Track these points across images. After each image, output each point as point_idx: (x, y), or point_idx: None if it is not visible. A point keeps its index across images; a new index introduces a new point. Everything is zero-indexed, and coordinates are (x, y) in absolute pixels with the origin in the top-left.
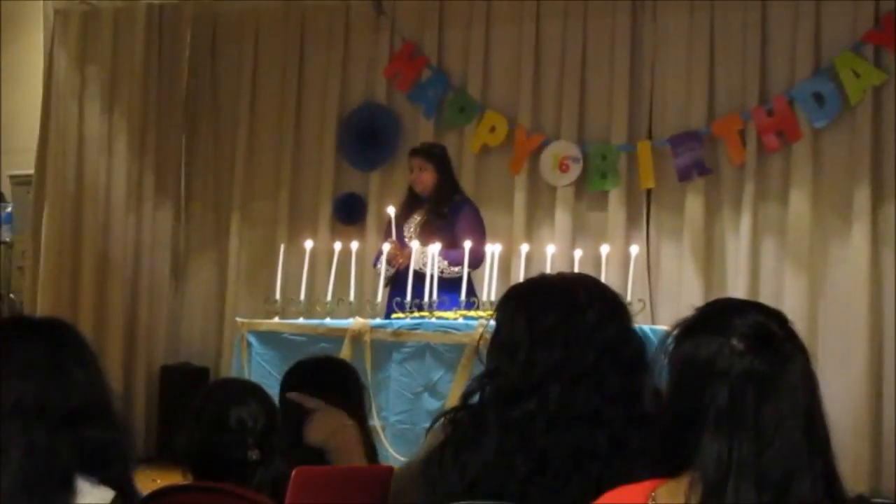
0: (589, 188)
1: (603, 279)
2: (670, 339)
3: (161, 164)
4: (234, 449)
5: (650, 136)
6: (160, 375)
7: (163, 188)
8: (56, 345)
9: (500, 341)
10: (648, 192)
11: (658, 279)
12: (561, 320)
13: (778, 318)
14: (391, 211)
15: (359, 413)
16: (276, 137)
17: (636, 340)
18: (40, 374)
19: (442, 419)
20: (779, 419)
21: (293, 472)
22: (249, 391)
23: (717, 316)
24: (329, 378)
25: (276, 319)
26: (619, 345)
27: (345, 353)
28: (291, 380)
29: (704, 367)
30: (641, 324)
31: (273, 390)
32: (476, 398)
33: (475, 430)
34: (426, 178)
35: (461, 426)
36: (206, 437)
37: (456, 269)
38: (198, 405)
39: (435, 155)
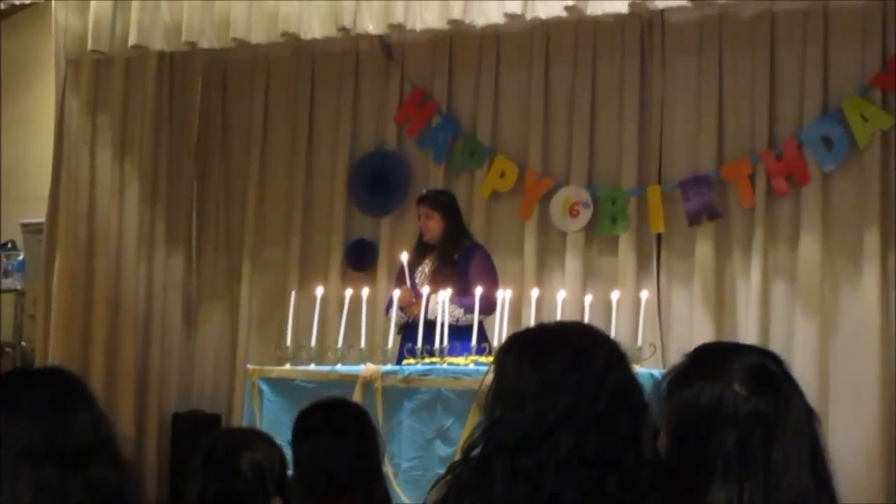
0: (599, 233)
1: (613, 324)
2: (664, 386)
3: (172, 211)
4: (253, 497)
5: (660, 181)
6: (172, 423)
7: (174, 235)
8: (59, 389)
9: (504, 391)
10: (658, 236)
11: (669, 324)
12: (570, 367)
13: (773, 357)
14: (404, 258)
15: (373, 458)
16: (286, 183)
17: (639, 387)
18: (46, 418)
19: (444, 478)
20: (786, 460)
21: None
22: (258, 436)
23: (712, 361)
24: (342, 421)
25: (288, 366)
26: (627, 389)
27: (356, 399)
28: (305, 422)
29: (708, 414)
30: (652, 368)
31: (285, 437)
32: (478, 450)
33: (480, 479)
34: (433, 226)
35: (464, 477)
36: (222, 485)
37: (471, 316)
38: (205, 452)
39: (441, 202)
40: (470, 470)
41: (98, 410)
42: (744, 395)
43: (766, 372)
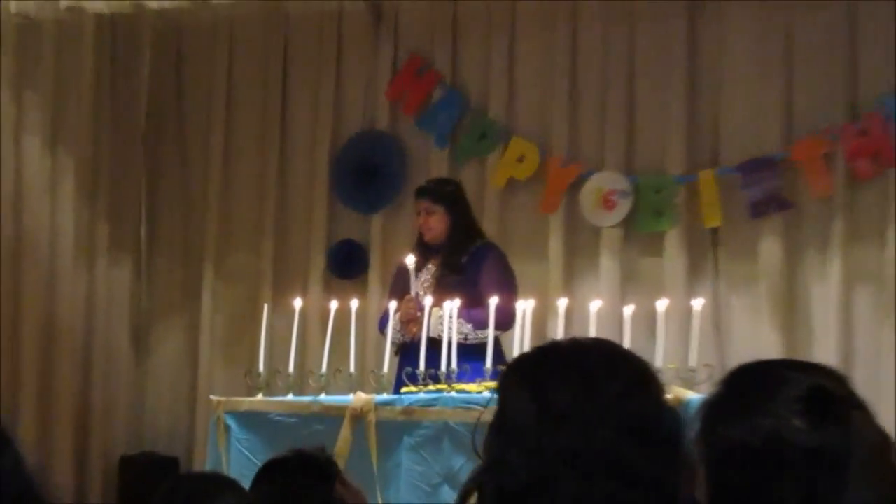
0: (640, 229)
1: (660, 340)
2: (699, 420)
3: (117, 210)
4: None
5: (715, 164)
6: (119, 468)
7: (119, 239)
8: None
9: (502, 426)
10: (714, 232)
11: (728, 339)
12: (576, 394)
13: (833, 377)
14: (410, 261)
15: None
16: (256, 174)
17: (670, 416)
18: None
19: None
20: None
21: None
22: (225, 484)
23: (758, 386)
24: (302, 482)
25: (260, 397)
26: (649, 422)
27: (344, 436)
28: (263, 487)
29: (758, 456)
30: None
31: None
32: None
33: None
34: (435, 224)
35: None
36: None
37: (482, 333)
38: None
39: (445, 194)
40: None
41: (16, 453)
42: (803, 430)
43: (828, 397)
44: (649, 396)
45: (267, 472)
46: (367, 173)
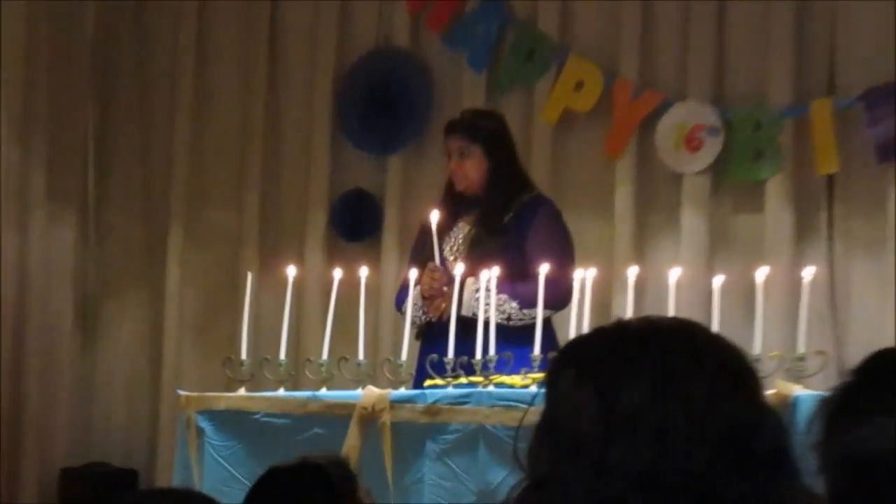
0: (734, 176)
1: (758, 320)
2: (821, 422)
3: (58, 155)
4: None
5: (831, 92)
6: (60, 483)
7: (61, 190)
8: None
9: (554, 431)
10: (830, 180)
11: (848, 318)
12: (652, 397)
13: None
14: (434, 217)
15: None
16: (237, 107)
17: (771, 421)
18: None
19: None
20: None
21: None
22: (196, 502)
23: None
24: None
25: (242, 392)
26: (746, 431)
27: (351, 442)
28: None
29: None
30: (822, 390)
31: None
32: None
33: None
34: (471, 170)
35: None
36: None
37: (530, 312)
38: None
39: (483, 130)
40: None
41: None
42: None
43: None
44: (744, 395)
45: (264, 488)
46: (380, 104)
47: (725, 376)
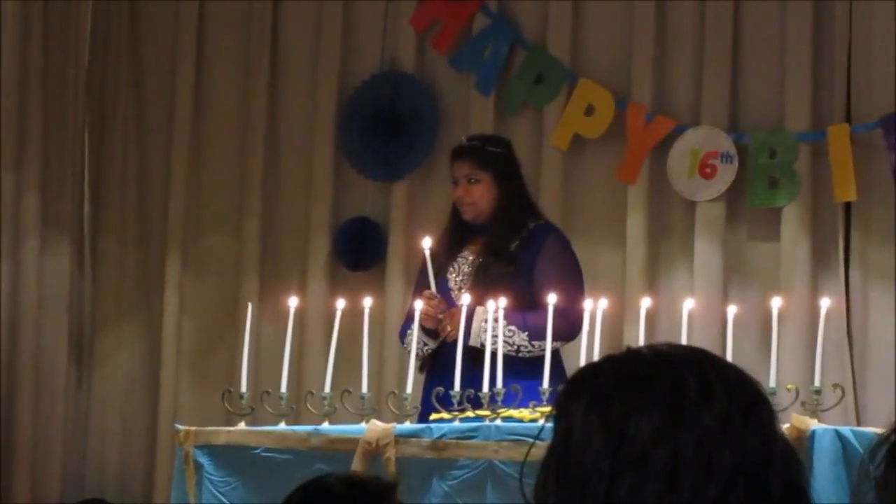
0: (750, 203)
1: (774, 351)
2: (881, 457)
3: (52, 180)
4: None
5: (848, 118)
6: None
7: (55, 216)
8: None
9: (560, 466)
10: (847, 208)
11: (866, 350)
12: (661, 430)
13: None
14: (426, 244)
15: None
16: (237, 131)
17: (786, 456)
18: None
19: None
20: None
21: None
22: None
23: None
24: None
25: (242, 426)
26: (759, 466)
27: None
28: None
29: None
30: (839, 424)
31: None
32: None
33: None
34: (479, 196)
35: None
36: None
37: (540, 344)
38: None
39: (491, 156)
40: None
41: None
42: None
43: None
44: (757, 428)
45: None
46: (385, 128)
47: (737, 408)
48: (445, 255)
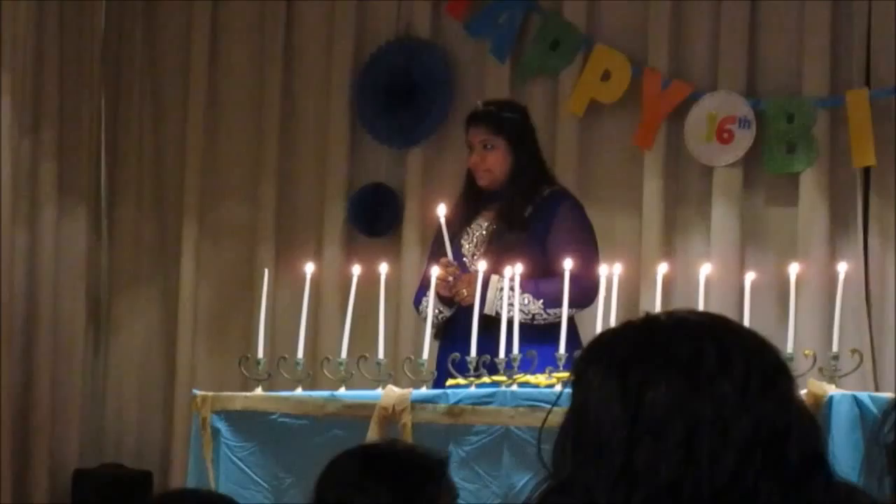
0: (767, 169)
1: (791, 316)
2: (891, 423)
3: (68, 147)
4: None
5: (868, 82)
6: (73, 485)
7: (71, 182)
8: None
9: (578, 433)
10: (866, 173)
11: (884, 315)
12: (679, 398)
13: None
14: (441, 211)
15: None
16: (253, 98)
17: (805, 423)
18: None
19: None
20: None
21: None
22: None
23: None
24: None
25: (259, 392)
26: (777, 434)
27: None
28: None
29: None
30: (857, 389)
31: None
32: None
33: None
34: (494, 162)
35: None
36: None
37: (555, 311)
38: None
39: (507, 122)
40: None
41: None
42: None
43: None
44: (775, 396)
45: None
46: (400, 95)
47: (756, 377)
48: (460, 222)
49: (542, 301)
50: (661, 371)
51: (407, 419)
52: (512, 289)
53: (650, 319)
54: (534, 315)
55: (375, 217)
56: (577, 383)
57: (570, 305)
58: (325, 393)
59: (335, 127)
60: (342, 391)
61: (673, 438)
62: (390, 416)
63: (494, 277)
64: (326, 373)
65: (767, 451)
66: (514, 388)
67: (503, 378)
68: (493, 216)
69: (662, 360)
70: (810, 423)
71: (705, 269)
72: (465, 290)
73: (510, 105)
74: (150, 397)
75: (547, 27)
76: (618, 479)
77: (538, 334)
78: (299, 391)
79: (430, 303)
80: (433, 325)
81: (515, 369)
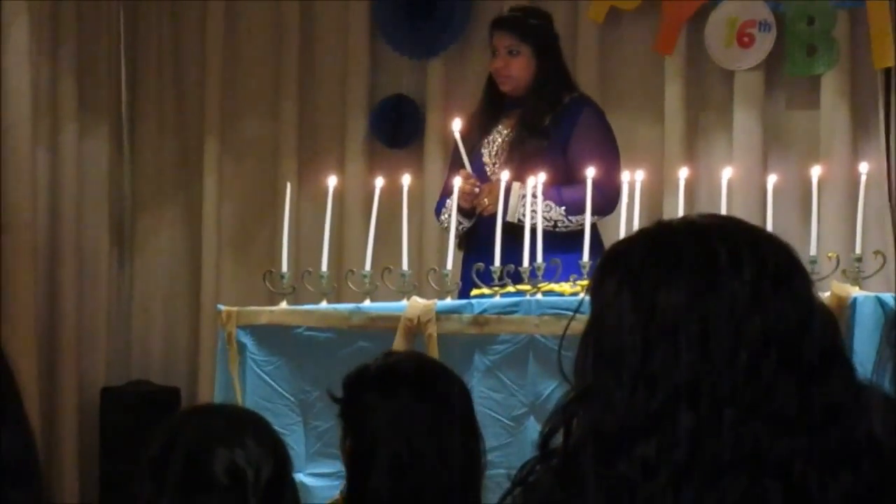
0: (788, 72)
1: (814, 219)
2: None
3: (88, 62)
4: None
5: None
6: (101, 403)
7: (92, 101)
8: None
9: (597, 341)
10: (887, 74)
11: None
12: (691, 300)
13: None
14: (456, 126)
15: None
16: (272, 13)
17: (822, 321)
18: None
19: (511, 493)
20: None
21: None
22: (239, 421)
23: None
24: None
25: (284, 306)
26: (795, 333)
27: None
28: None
29: None
30: (880, 291)
31: (282, 419)
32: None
33: (560, 494)
34: (519, 70)
35: (540, 490)
36: (182, 501)
37: (577, 218)
38: (158, 450)
39: (532, 28)
40: (546, 480)
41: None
42: None
43: None
44: (790, 294)
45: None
46: (421, 5)
47: (769, 275)
48: (479, 131)
49: (563, 208)
50: (673, 274)
51: (432, 330)
52: (535, 195)
53: (662, 225)
54: (556, 222)
55: (397, 129)
56: (594, 293)
57: (593, 212)
58: (350, 305)
59: (355, 38)
60: (367, 303)
61: (686, 339)
62: (415, 328)
63: (516, 185)
64: (351, 285)
65: (783, 348)
66: (539, 296)
67: (527, 287)
68: (514, 123)
69: (673, 264)
70: (828, 320)
71: (727, 174)
72: (486, 200)
73: (536, 12)
74: (175, 314)
75: None
76: (636, 384)
77: (561, 242)
78: (324, 304)
79: (453, 215)
80: (457, 234)
81: (540, 278)
